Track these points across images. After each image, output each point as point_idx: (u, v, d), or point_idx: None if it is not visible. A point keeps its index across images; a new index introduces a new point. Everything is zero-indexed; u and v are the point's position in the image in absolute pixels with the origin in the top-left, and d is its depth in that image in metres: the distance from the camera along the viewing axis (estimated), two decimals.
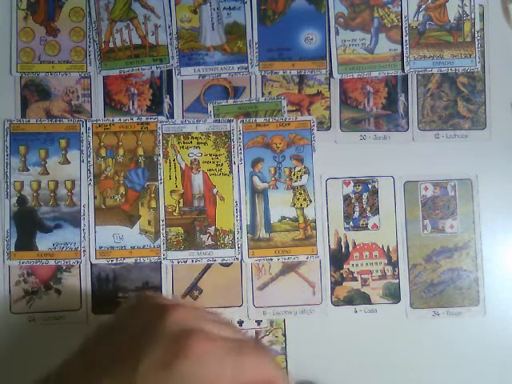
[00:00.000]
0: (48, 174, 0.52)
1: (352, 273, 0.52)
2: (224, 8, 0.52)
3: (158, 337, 0.30)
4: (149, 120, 0.52)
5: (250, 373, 0.30)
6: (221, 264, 0.52)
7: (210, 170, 0.52)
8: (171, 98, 0.53)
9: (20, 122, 0.52)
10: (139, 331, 0.31)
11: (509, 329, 0.52)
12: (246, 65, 0.52)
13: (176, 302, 0.35)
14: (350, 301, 0.52)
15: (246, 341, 0.35)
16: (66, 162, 0.52)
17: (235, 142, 0.52)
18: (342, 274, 0.52)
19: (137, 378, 0.28)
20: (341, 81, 0.53)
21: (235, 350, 0.30)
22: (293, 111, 0.53)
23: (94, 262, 0.51)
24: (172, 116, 0.52)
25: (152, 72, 0.53)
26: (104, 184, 0.52)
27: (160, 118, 0.52)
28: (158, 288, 0.51)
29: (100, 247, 0.51)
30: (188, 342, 0.29)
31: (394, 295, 0.52)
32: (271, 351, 0.32)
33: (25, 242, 0.51)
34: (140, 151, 0.52)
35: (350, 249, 0.52)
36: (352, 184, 0.52)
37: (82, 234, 0.51)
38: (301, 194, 0.52)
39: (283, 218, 0.52)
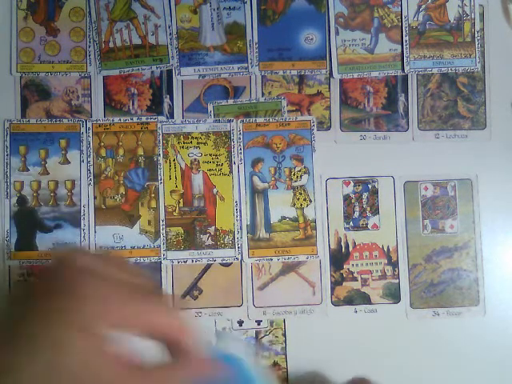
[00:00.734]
0: (48, 174, 0.52)
1: (352, 273, 0.52)
2: (224, 8, 0.52)
3: (52, 283, 0.29)
4: (149, 120, 0.52)
5: (134, 316, 0.29)
6: (221, 264, 0.52)
7: (209, 170, 0.52)
8: (171, 98, 0.53)
9: (20, 122, 0.52)
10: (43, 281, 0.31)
11: (509, 329, 0.52)
12: (246, 65, 0.52)
13: (84, 251, 0.34)
14: (350, 301, 0.52)
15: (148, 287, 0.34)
16: (66, 162, 0.52)
17: (235, 142, 0.52)
18: (341, 273, 0.52)
19: (27, 326, 0.27)
20: (341, 81, 0.53)
21: (136, 294, 0.30)
22: (293, 111, 0.53)
23: None
24: (172, 116, 0.52)
25: (152, 72, 0.53)
26: (104, 184, 0.52)
27: (160, 118, 0.52)
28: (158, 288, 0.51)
29: (100, 247, 0.51)
30: (76, 282, 0.28)
31: (394, 295, 0.52)
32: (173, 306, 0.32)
33: (25, 242, 0.51)
34: (140, 151, 0.52)
35: (350, 249, 0.52)
36: (352, 184, 0.52)
37: (82, 234, 0.51)
38: (301, 193, 0.52)
39: (283, 217, 0.52)
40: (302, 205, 0.52)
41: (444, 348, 0.52)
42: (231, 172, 0.52)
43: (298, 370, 0.51)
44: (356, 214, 0.52)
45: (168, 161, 0.52)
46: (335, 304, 0.52)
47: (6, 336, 0.28)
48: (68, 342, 0.27)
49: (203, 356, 0.31)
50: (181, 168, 0.52)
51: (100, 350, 0.27)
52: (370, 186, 0.53)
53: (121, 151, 0.52)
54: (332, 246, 0.52)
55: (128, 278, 0.31)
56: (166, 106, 0.53)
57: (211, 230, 0.51)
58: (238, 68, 0.52)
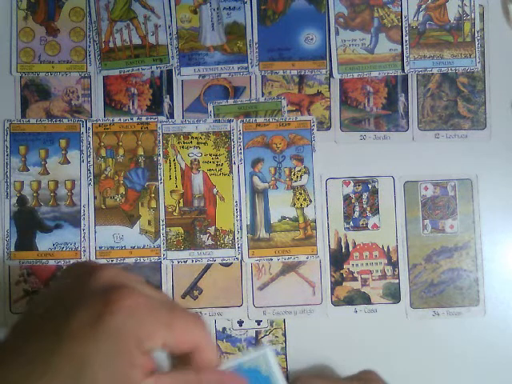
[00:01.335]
0: (48, 174, 0.52)
1: (352, 273, 0.52)
2: (224, 8, 0.52)
3: (86, 294, 0.29)
4: (149, 120, 0.52)
5: (180, 332, 0.29)
6: (221, 264, 0.52)
7: (209, 169, 0.52)
8: (171, 98, 0.53)
9: (20, 122, 0.52)
10: (68, 291, 0.30)
11: (509, 329, 0.52)
12: (246, 65, 0.52)
13: (104, 264, 0.34)
14: (350, 301, 0.52)
15: (175, 302, 0.34)
16: (66, 162, 0.52)
17: (235, 142, 0.52)
18: (342, 274, 0.52)
19: (64, 337, 0.27)
20: (341, 81, 0.53)
21: (167, 307, 0.30)
22: (293, 111, 0.53)
23: None
24: (172, 116, 0.52)
25: (152, 72, 0.53)
26: (104, 184, 0.52)
27: (160, 118, 0.52)
28: (158, 288, 0.51)
29: (100, 247, 0.51)
30: (117, 296, 0.28)
31: (394, 295, 0.52)
32: (201, 317, 0.32)
33: (25, 242, 0.51)
34: (140, 151, 0.52)
35: (350, 249, 0.52)
36: (352, 184, 0.52)
37: (82, 234, 0.51)
38: (301, 193, 0.52)
39: (283, 217, 0.52)
40: (302, 205, 0.52)
41: (444, 348, 0.52)
42: (231, 172, 0.52)
43: (298, 370, 0.51)
44: (356, 214, 0.52)
45: (168, 161, 0.52)
46: (335, 304, 0.52)
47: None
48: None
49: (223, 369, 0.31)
50: (181, 168, 0.52)
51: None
52: (369, 186, 0.53)
53: (121, 151, 0.52)
54: (332, 246, 0.52)
55: (160, 295, 0.32)
56: (165, 106, 0.53)
57: (211, 229, 0.51)
58: (238, 68, 0.52)
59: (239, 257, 0.51)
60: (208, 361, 0.30)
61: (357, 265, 0.52)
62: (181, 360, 0.31)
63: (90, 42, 0.52)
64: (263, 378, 0.32)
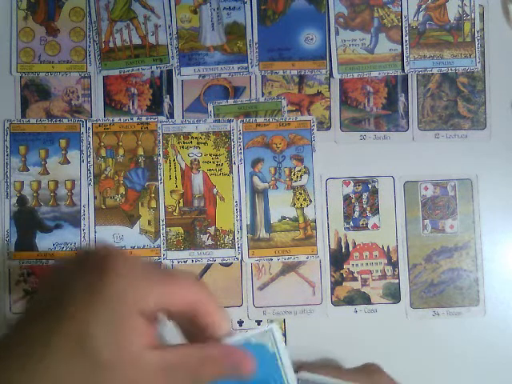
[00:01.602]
0: (48, 174, 0.52)
1: (352, 273, 0.52)
2: (224, 8, 0.52)
3: (80, 271, 0.29)
4: (149, 120, 0.52)
5: (175, 290, 0.29)
6: (221, 264, 0.52)
7: (209, 169, 0.52)
8: (171, 98, 0.53)
9: (20, 122, 0.52)
10: (65, 277, 0.30)
11: (509, 329, 0.52)
12: (246, 65, 0.52)
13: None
14: (350, 301, 0.52)
15: (173, 269, 0.34)
16: (66, 162, 0.52)
17: (235, 142, 0.52)
18: (342, 274, 0.52)
19: (62, 315, 0.27)
20: (341, 81, 0.53)
21: (161, 270, 0.30)
22: (293, 111, 0.53)
23: None
24: (172, 116, 0.52)
25: (152, 72, 0.53)
26: (104, 184, 0.52)
27: (160, 118, 0.52)
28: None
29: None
30: (109, 265, 0.28)
31: (394, 295, 0.52)
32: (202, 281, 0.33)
33: (25, 242, 0.51)
34: (140, 151, 0.52)
35: (350, 249, 0.52)
36: (352, 184, 0.52)
37: (82, 234, 0.51)
38: (301, 193, 0.52)
39: (283, 217, 0.52)
40: (302, 205, 0.52)
41: (444, 348, 0.52)
42: (231, 172, 0.52)
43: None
44: (356, 214, 0.52)
45: (168, 161, 0.52)
46: (335, 304, 0.52)
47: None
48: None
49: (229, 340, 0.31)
50: (181, 168, 0.52)
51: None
52: (369, 186, 0.53)
53: (121, 151, 0.52)
54: (332, 246, 0.52)
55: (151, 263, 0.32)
56: (165, 106, 0.53)
57: (211, 229, 0.51)
58: (238, 68, 0.52)
59: (239, 257, 0.51)
60: (213, 324, 0.30)
61: (357, 265, 0.52)
62: (191, 337, 0.31)
63: (90, 42, 0.52)
64: (270, 353, 0.32)
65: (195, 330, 0.31)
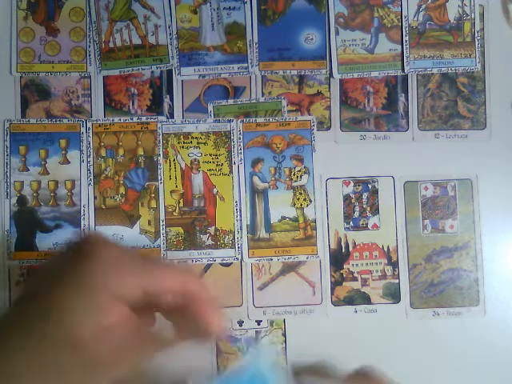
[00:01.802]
0: (48, 174, 0.52)
1: (352, 273, 0.52)
2: (224, 8, 0.52)
3: (71, 257, 0.31)
4: (149, 120, 0.52)
5: (160, 277, 0.30)
6: (221, 264, 0.52)
7: (209, 169, 0.52)
8: (171, 98, 0.53)
9: (20, 122, 0.52)
10: (58, 262, 0.32)
11: (509, 329, 0.52)
12: (246, 65, 0.52)
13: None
14: (350, 301, 0.52)
15: (161, 257, 0.35)
16: (66, 162, 0.52)
17: (235, 142, 0.52)
18: (342, 274, 0.52)
19: (46, 297, 0.28)
20: (341, 81, 0.53)
21: (145, 258, 0.31)
22: (293, 111, 0.53)
23: None
24: (172, 116, 0.52)
25: (152, 72, 0.53)
26: (104, 184, 0.52)
27: (160, 118, 0.52)
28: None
29: None
30: (89, 248, 0.30)
31: (394, 295, 0.52)
32: (189, 266, 0.33)
33: (25, 242, 0.51)
34: (140, 151, 0.52)
35: (350, 249, 0.52)
36: (352, 184, 0.52)
37: (83, 234, 0.51)
38: (301, 193, 0.52)
39: (283, 217, 0.52)
40: (302, 205, 0.52)
41: (444, 348, 0.52)
42: (231, 172, 0.52)
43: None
44: (356, 214, 0.52)
45: (168, 161, 0.52)
46: (335, 304, 0.52)
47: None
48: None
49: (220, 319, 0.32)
50: (181, 168, 0.52)
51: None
52: (370, 186, 0.53)
53: (121, 151, 0.52)
54: (332, 246, 0.52)
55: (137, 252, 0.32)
56: (165, 106, 0.53)
57: (211, 230, 0.51)
58: (238, 68, 0.52)
59: (239, 257, 0.51)
60: (205, 314, 0.31)
61: (357, 265, 0.52)
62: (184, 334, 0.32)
63: (90, 41, 0.52)
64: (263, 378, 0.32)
65: (189, 326, 0.31)
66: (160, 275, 0.30)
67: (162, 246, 0.51)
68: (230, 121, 0.52)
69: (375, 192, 0.53)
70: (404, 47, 0.53)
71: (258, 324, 0.51)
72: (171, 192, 0.52)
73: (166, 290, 0.30)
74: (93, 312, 0.28)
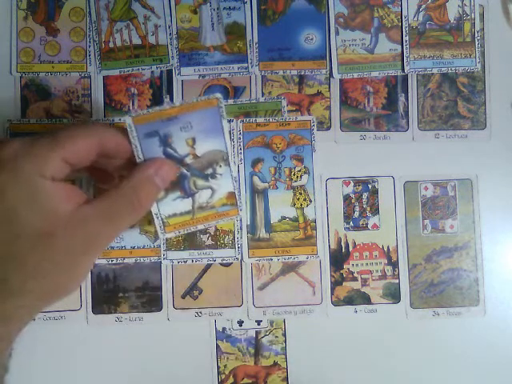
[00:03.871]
0: None
1: (352, 273, 0.52)
2: (224, 8, 0.52)
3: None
4: None
5: (79, 143, 0.33)
6: (221, 264, 0.52)
7: None
8: (171, 98, 0.53)
9: (20, 122, 0.52)
10: None
11: (509, 329, 0.52)
12: (246, 65, 0.52)
13: None
14: (350, 301, 0.52)
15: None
16: None
17: (235, 142, 0.52)
18: (342, 274, 0.52)
19: None
20: (341, 81, 0.53)
21: (49, 133, 0.34)
22: (293, 111, 0.53)
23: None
24: None
25: (152, 72, 0.53)
26: None
27: None
28: (158, 288, 0.51)
29: None
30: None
31: (394, 295, 0.52)
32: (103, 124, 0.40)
33: None
34: None
35: (350, 249, 0.52)
36: (352, 184, 0.52)
37: None
38: (301, 193, 0.52)
39: (283, 217, 0.52)
40: (302, 205, 0.52)
41: (444, 348, 0.52)
42: None
43: (298, 370, 0.51)
44: (356, 214, 0.52)
45: None
46: (335, 304, 0.52)
47: None
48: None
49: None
50: None
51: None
52: (370, 186, 0.53)
53: None
54: (332, 246, 0.52)
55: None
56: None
57: (211, 230, 0.51)
58: (238, 68, 0.52)
59: (239, 257, 0.51)
60: (126, 151, 0.36)
61: (357, 265, 0.52)
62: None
63: (90, 41, 0.52)
64: None
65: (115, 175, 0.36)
66: (71, 141, 0.33)
67: (161, 246, 0.51)
68: (230, 121, 0.52)
69: (375, 192, 0.53)
70: (404, 47, 0.53)
71: (258, 324, 0.51)
72: None
73: (83, 155, 0.33)
74: (32, 197, 0.31)
